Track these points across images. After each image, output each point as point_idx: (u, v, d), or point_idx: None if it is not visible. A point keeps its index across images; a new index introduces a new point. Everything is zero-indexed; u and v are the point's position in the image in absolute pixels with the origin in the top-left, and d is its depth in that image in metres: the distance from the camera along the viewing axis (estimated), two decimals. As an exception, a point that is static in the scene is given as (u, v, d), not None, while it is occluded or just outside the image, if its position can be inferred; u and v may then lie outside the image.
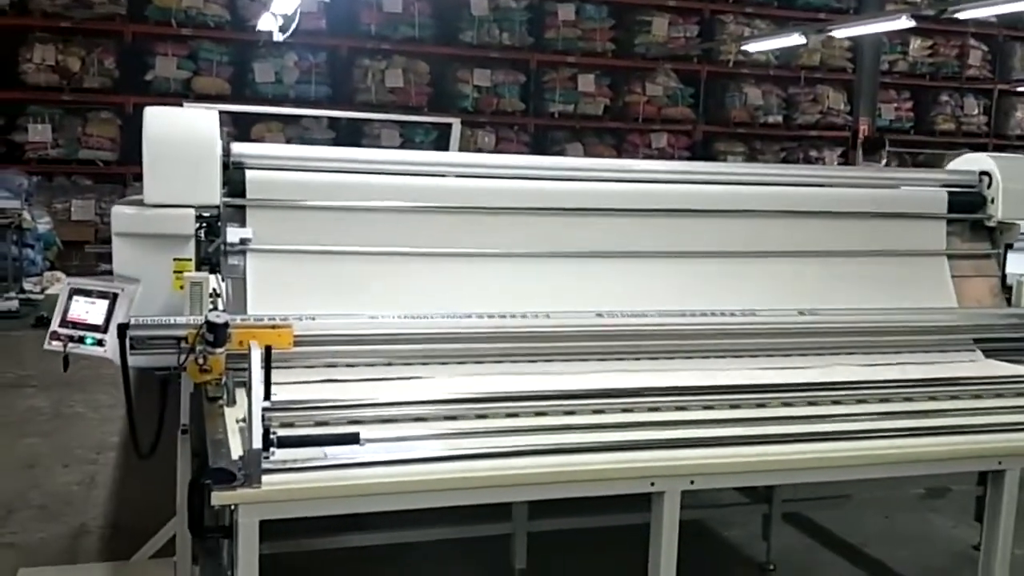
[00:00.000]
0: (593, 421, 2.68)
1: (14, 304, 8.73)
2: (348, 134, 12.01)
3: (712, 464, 2.51)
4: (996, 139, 14.70)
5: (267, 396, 2.34)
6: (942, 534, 4.53)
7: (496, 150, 12.58)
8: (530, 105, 12.98)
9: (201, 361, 2.60)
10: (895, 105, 14.37)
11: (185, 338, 2.67)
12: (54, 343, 2.87)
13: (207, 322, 2.60)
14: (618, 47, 13.13)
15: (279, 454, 2.24)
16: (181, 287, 2.88)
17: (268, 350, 2.42)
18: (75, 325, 2.88)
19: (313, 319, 2.91)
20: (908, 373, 3.31)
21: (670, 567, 2.51)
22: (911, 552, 4.31)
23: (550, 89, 12.98)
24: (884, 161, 9.12)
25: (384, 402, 2.68)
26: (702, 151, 13.36)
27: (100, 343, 2.86)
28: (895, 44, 13.96)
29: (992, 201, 3.88)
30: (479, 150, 12.28)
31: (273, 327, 2.76)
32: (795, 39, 10.57)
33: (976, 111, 14.74)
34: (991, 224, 3.91)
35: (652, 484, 2.46)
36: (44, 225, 10.18)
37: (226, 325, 2.62)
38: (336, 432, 2.42)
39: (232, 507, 2.21)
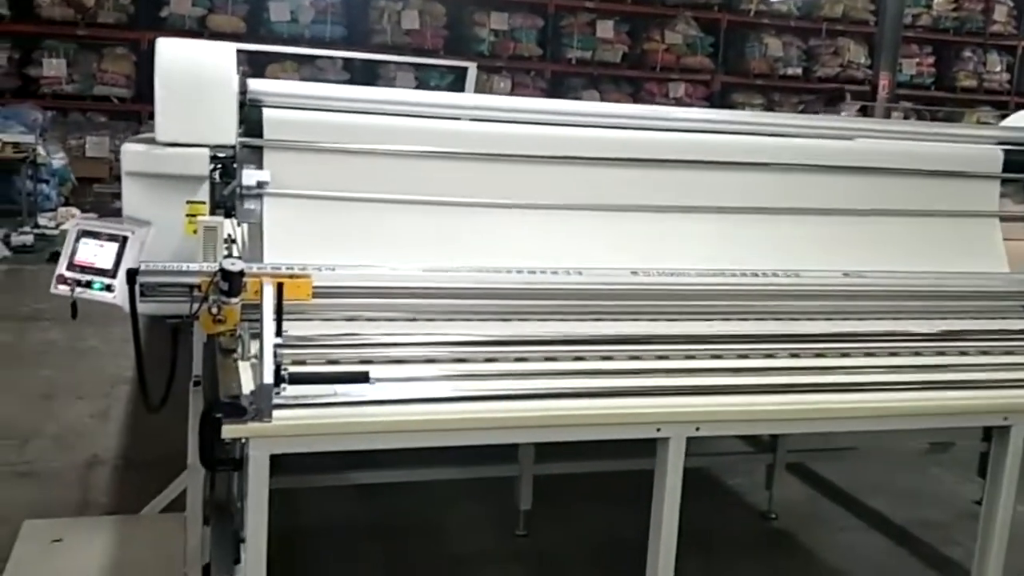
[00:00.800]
0: (601, 367, 2.69)
1: (29, 238, 8.77)
2: (363, 76, 11.92)
3: (718, 412, 2.52)
4: (1019, 97, 14.48)
5: (279, 332, 2.37)
6: (945, 489, 4.57)
7: (512, 95, 12.47)
8: (547, 50, 12.84)
9: (215, 311, 2.40)
10: (917, 60, 14.15)
11: (198, 286, 2.47)
12: (61, 287, 2.74)
13: (221, 270, 2.39)
14: (638, -7, 12.93)
15: (290, 390, 2.26)
16: (194, 231, 2.76)
17: (280, 286, 2.43)
18: (83, 269, 2.75)
19: (333, 270, 2.75)
20: (921, 327, 3.27)
21: (673, 512, 2.53)
22: (912, 506, 4.36)
23: (568, 35, 12.82)
24: (844, 114, 8.93)
25: (395, 343, 2.69)
26: (720, 102, 13.21)
27: (109, 288, 2.73)
28: (919, -4, 13.73)
29: None
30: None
31: (291, 276, 2.57)
32: (818, -11, 10.39)
33: (999, 68, 14.50)
34: None
35: (658, 430, 2.47)
36: (59, 161, 10.18)
37: (241, 274, 2.40)
38: (346, 370, 2.45)
39: (243, 440, 2.25)
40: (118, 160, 10.55)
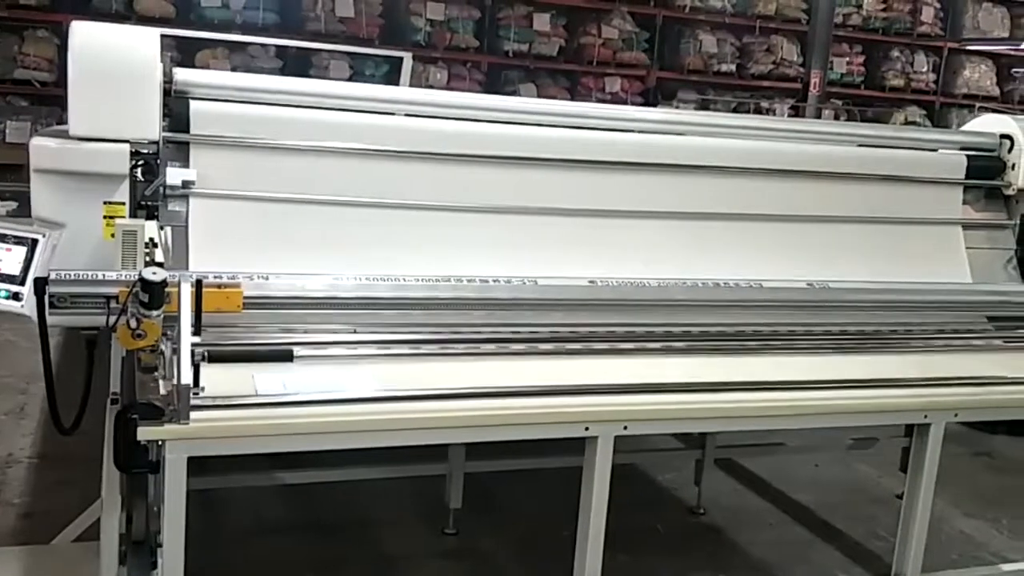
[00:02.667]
0: (530, 365, 2.67)
1: (-56, 227, 8.45)
2: (296, 65, 11.71)
3: (646, 410, 2.53)
4: (943, 97, 14.85)
5: (197, 331, 2.29)
6: (868, 482, 4.65)
7: (448, 87, 12.39)
8: (484, 42, 12.77)
9: (134, 325, 2.20)
10: (847, 59, 14.40)
11: (115, 297, 2.29)
12: None
13: (141, 279, 2.19)
14: (574, -14, 12.94)
15: (209, 390, 2.20)
16: (112, 236, 2.51)
17: (199, 283, 2.35)
18: None
19: (266, 279, 2.58)
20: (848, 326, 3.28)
21: (601, 507, 2.54)
22: (837, 499, 4.43)
23: (505, 27, 12.77)
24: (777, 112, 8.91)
25: (322, 341, 2.63)
26: (655, 98, 13.30)
27: (16, 297, 2.48)
28: (850, -4, 13.97)
29: (1013, 167, 3.67)
30: (430, 87, 12.08)
31: (220, 287, 2.41)
32: (752, -13, 10.49)
33: (925, 68, 14.83)
34: (1009, 192, 3.70)
35: (586, 429, 2.47)
36: (-23, 146, 9.82)
37: (164, 284, 2.20)
38: (268, 348, 2.38)
39: (159, 443, 2.17)
40: None
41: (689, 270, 3.12)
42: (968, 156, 3.72)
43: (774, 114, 13.72)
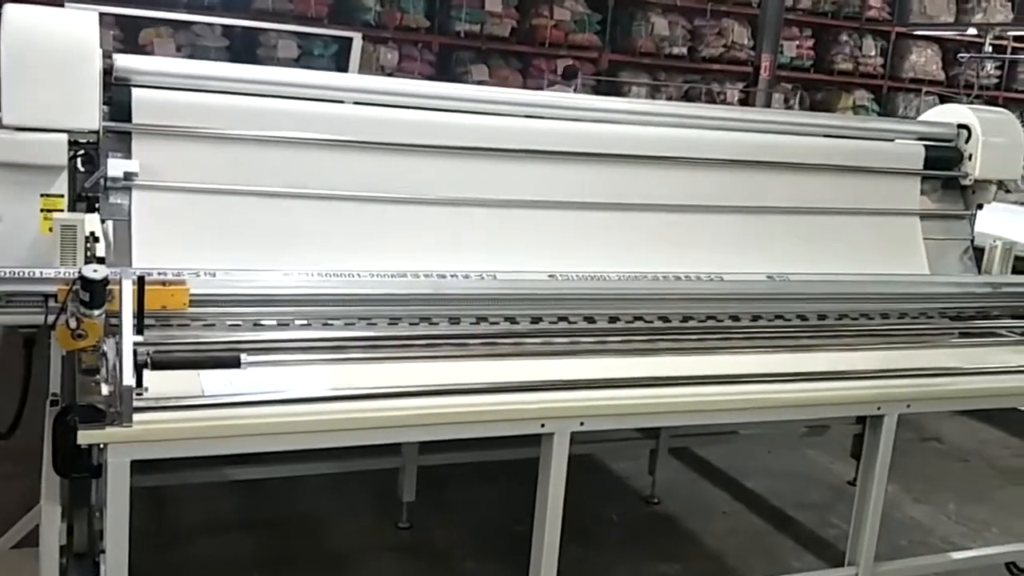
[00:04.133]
0: (483, 362, 2.63)
1: None
2: (243, 44, 11.48)
3: (601, 406, 2.49)
4: (891, 81, 15.04)
5: (139, 330, 2.19)
6: (820, 469, 4.69)
7: (399, 68, 12.25)
8: (435, 23, 12.63)
9: (74, 324, 2.09)
10: (797, 43, 14.51)
11: (55, 295, 2.19)
12: None
13: (81, 277, 2.08)
14: (526, -33, 12.85)
15: (153, 391, 2.11)
16: (50, 230, 2.40)
17: (141, 280, 2.25)
18: None
19: (214, 275, 2.47)
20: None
21: (557, 502, 2.51)
22: (790, 486, 4.46)
23: (456, 7, 12.63)
24: (574, 88, 8.98)
25: (268, 339, 2.55)
26: (607, 79, 13.28)
27: None
28: (801, -21, 14.06)
29: (970, 158, 3.65)
30: (381, 68, 11.94)
31: (164, 283, 2.32)
32: (704, -30, 10.48)
33: (873, 52, 15.00)
34: (966, 183, 3.69)
35: (542, 425, 2.43)
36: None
37: (105, 281, 2.09)
38: (215, 354, 2.30)
39: (100, 446, 2.09)
40: None
41: (648, 263, 3.10)
42: (926, 146, 3.70)
43: (725, 97, 13.81)
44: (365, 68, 10.05)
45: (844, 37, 14.81)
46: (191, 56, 10.72)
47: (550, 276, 2.93)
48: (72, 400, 2.23)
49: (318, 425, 2.25)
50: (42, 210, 2.54)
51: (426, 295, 2.75)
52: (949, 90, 14.45)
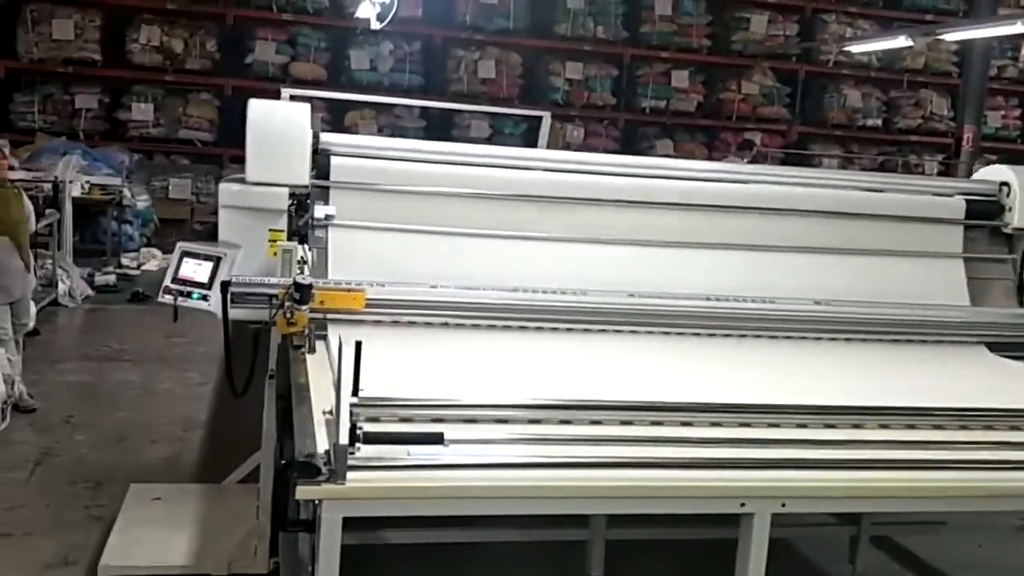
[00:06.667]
0: (681, 434, 2.60)
1: (112, 278, 9.01)
2: (439, 123, 12.07)
3: (805, 488, 2.41)
4: (1108, 150, 14.03)
5: (355, 392, 2.33)
6: (1037, 567, 4.32)
7: (585, 144, 12.51)
8: (621, 99, 12.86)
9: (288, 316, 2.96)
10: (1002, 112, 13.82)
11: (276, 296, 3.06)
12: (166, 296, 3.34)
13: (295, 283, 2.96)
14: (714, 44, 12.92)
15: (364, 451, 2.23)
16: (275, 254, 3.30)
17: (359, 347, 2.40)
18: (184, 282, 3.34)
19: (383, 286, 3.33)
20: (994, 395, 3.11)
21: (755, 589, 2.43)
22: (1005, 584, 4.13)
23: (643, 84, 12.83)
24: (748, 160, 9.57)
25: (468, 404, 2.64)
26: (797, 151, 13.05)
27: (205, 298, 3.31)
28: (1006, 49, 13.40)
29: (1010, 209, 4.12)
30: (568, 144, 12.22)
31: (348, 291, 3.21)
32: (901, 41, 10.20)
33: (1087, 121, 14.07)
34: (1008, 231, 4.15)
35: (742, 505, 2.37)
36: (143, 202, 10.48)
37: (310, 286, 2.98)
38: (421, 431, 2.40)
39: (316, 502, 2.21)
40: (200, 202, 11.03)
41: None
42: (969, 200, 4.19)
43: (923, 169, 13.25)
44: (552, 144, 10.32)
45: (1055, 105, 13.98)
46: (391, 135, 11.35)
47: (629, 295, 3.57)
48: (285, 370, 2.98)
49: (518, 491, 2.29)
50: (270, 240, 3.43)
51: (530, 305, 3.48)
52: None
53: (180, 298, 3.32)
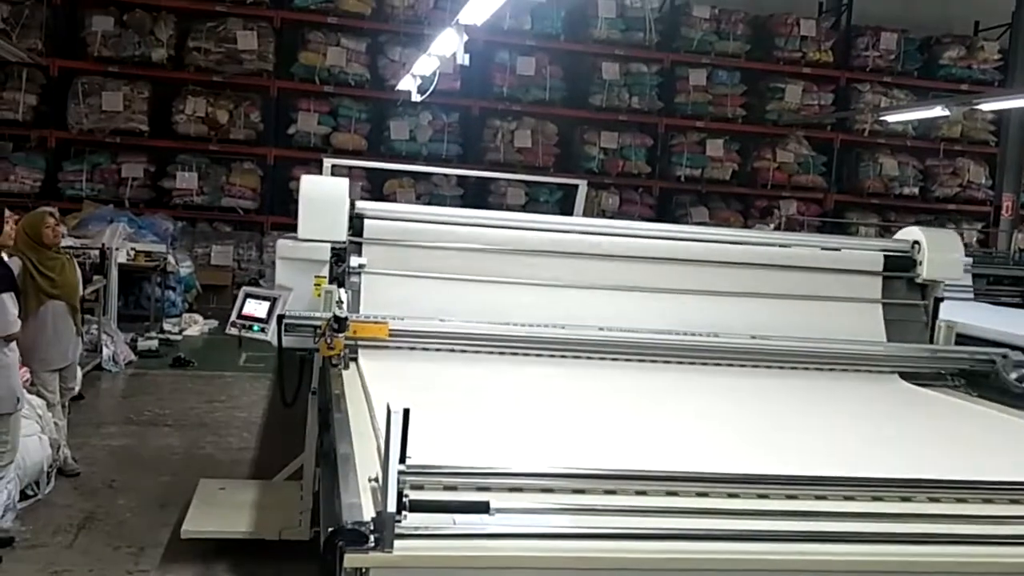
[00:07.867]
0: (727, 506, 2.59)
1: (154, 343, 9.14)
2: (476, 191, 12.24)
3: (859, 562, 2.39)
4: None
5: (403, 459, 2.35)
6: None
7: (620, 211, 12.62)
8: (656, 168, 12.98)
9: (328, 342, 3.76)
10: (1042, 180, 13.74)
11: (319, 326, 3.88)
12: (232, 329, 4.30)
13: (334, 316, 3.78)
14: (749, 113, 13.04)
15: (410, 519, 2.24)
16: (319, 295, 4.15)
17: (407, 414, 2.42)
18: (247, 318, 4.29)
19: (403, 319, 4.14)
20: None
21: None
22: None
23: (677, 153, 12.96)
24: (773, 226, 10.18)
25: (514, 472, 2.66)
26: (832, 220, 13.05)
27: (263, 330, 4.23)
28: (1044, 117, 13.40)
29: (920, 263, 4.93)
30: (603, 211, 12.32)
31: (376, 323, 4.06)
32: (937, 111, 10.23)
33: None
34: (919, 281, 4.96)
35: (789, 578, 2.36)
36: (186, 269, 10.67)
37: (346, 319, 3.84)
38: (467, 499, 2.42)
39: (363, 570, 2.22)
40: (241, 268, 11.29)
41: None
42: (886, 255, 5.00)
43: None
44: (587, 212, 10.44)
45: (1095, 174, 13.88)
46: (429, 202, 11.52)
47: (599, 329, 4.34)
48: (324, 386, 3.64)
49: (563, 562, 2.28)
50: (315, 284, 4.26)
51: (523, 336, 4.27)
52: None
53: (244, 330, 4.25)
